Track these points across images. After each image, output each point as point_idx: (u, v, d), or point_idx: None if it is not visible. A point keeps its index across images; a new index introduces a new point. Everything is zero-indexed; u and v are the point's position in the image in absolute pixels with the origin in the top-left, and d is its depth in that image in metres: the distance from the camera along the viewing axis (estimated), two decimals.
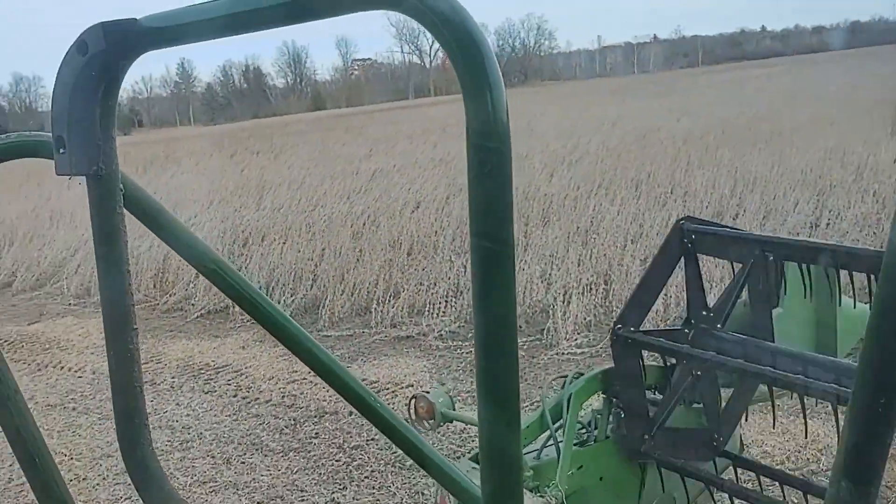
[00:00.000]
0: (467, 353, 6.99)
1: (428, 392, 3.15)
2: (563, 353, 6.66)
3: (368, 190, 13.51)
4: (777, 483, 2.72)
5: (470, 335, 7.42)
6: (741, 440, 3.23)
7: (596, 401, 2.76)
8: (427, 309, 7.79)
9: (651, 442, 2.55)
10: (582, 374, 2.68)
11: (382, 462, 5.17)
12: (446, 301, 7.83)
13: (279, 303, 8.49)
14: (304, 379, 6.54)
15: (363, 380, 6.50)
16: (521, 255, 8.52)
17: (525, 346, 6.90)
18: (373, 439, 5.45)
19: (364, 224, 10.59)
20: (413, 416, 3.07)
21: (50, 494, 1.01)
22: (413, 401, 3.12)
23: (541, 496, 2.32)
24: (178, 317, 8.88)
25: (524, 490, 2.25)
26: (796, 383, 2.17)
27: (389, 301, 8.00)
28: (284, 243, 9.85)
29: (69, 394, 6.83)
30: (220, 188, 15.19)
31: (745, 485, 2.79)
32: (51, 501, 1.01)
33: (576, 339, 6.80)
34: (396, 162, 17.44)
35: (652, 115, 23.03)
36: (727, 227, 2.70)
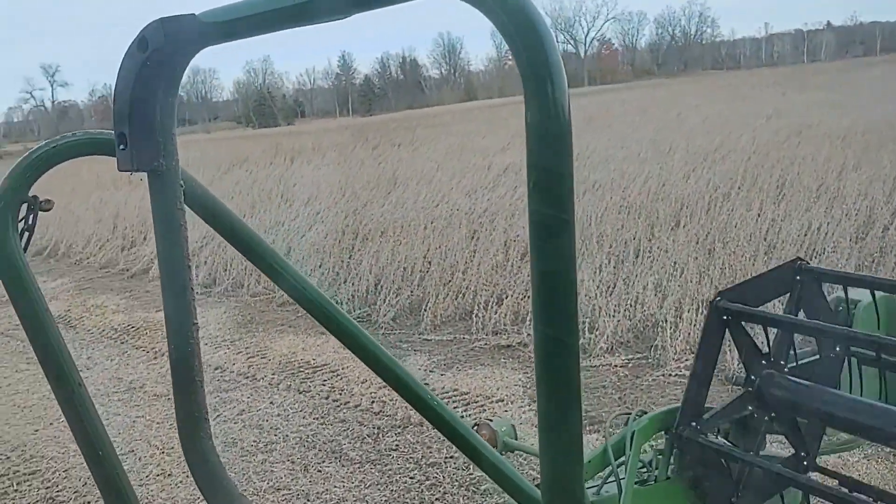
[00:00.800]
0: None
1: (491, 420, 3.09)
2: (669, 375, 6.15)
3: (495, 187, 13.26)
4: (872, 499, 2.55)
5: None
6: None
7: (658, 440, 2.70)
8: (531, 317, 7.45)
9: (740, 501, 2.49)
10: (646, 413, 2.65)
11: (457, 484, 4.93)
12: None
13: (384, 302, 8.42)
14: None
15: (454, 390, 6.34)
16: (637, 263, 7.99)
17: (629, 365, 6.44)
18: (451, 457, 5.22)
19: (482, 223, 10.35)
20: None
21: (112, 487, 1.00)
22: (475, 428, 3.03)
23: None
24: (291, 311, 9.00)
25: None
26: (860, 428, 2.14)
27: (493, 307, 7.72)
28: (399, 241, 9.78)
29: None
30: (355, 181, 15.43)
31: None
32: (112, 494, 1.00)
33: (685, 360, 6.25)
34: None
35: (813, 109, 21.35)
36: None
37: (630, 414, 2.66)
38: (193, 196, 1.09)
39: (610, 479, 2.58)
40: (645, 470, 2.65)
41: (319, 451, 5.53)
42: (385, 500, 4.83)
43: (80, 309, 10.13)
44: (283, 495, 5.00)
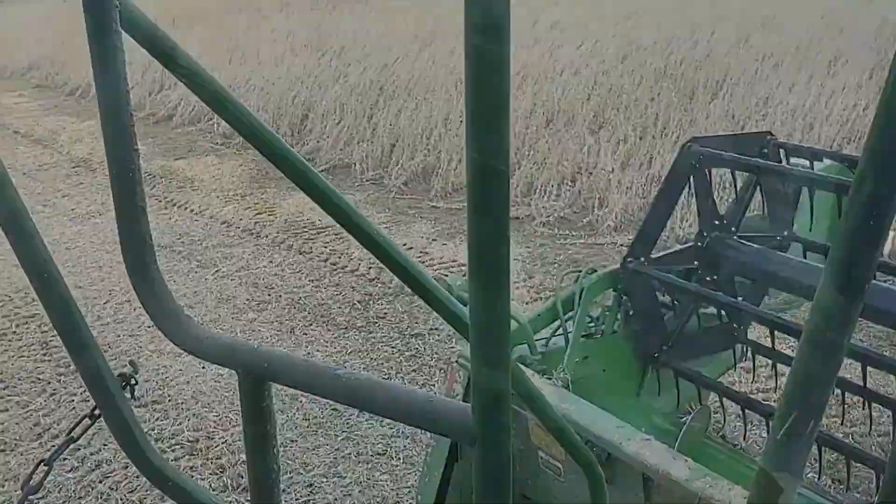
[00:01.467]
0: (570, 244, 6.43)
1: (447, 275, 3.16)
2: None
3: (534, 45, 12.60)
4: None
5: (579, 225, 6.82)
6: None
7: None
8: (541, 189, 7.20)
9: (669, 353, 2.69)
10: (595, 271, 2.76)
11: (436, 357, 4.90)
12: (563, 183, 7.17)
13: (397, 165, 8.22)
14: None
15: (453, 261, 6.22)
16: (662, 136, 7.58)
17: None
18: (435, 329, 5.17)
19: (512, 85, 9.88)
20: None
21: (60, 313, 1.02)
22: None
23: (548, 378, 2.42)
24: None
25: (533, 372, 2.44)
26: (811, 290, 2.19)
27: None
28: (423, 100, 9.43)
29: (181, 237, 7.07)
30: (392, 32, 14.82)
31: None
32: (67, 328, 1.02)
33: None
34: (582, 13, 16.12)
35: None
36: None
37: (581, 272, 2.75)
38: (132, 23, 1.04)
39: (558, 333, 2.70)
40: (592, 325, 2.77)
41: (309, 314, 5.53)
42: (364, 367, 4.84)
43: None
44: None
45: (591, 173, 7.25)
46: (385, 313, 5.47)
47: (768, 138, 2.77)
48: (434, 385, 4.58)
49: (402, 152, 8.28)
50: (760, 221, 2.78)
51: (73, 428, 1.39)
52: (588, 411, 2.20)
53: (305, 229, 7.09)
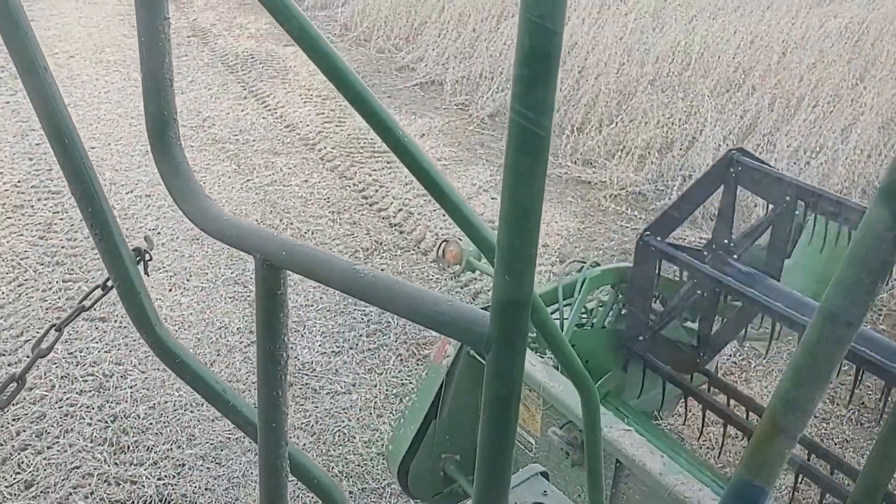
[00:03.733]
0: (633, 228, 5.50)
1: (461, 239, 3.09)
2: None
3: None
4: (744, 408, 2.89)
5: (651, 198, 5.85)
6: (716, 367, 3.55)
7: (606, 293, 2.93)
8: (623, 153, 6.20)
9: (643, 343, 2.81)
10: (599, 265, 2.85)
11: (398, 339, 4.33)
12: (650, 152, 6.13)
13: (488, 92, 7.41)
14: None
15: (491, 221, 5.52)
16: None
17: None
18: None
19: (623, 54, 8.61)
20: (440, 257, 3.15)
21: (77, 175, 1.02)
22: (443, 244, 3.13)
23: (540, 355, 2.54)
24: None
25: (527, 348, 2.25)
26: (794, 321, 2.33)
27: (590, 132, 6.50)
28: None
29: (239, 134, 6.79)
30: None
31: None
32: (78, 181, 1.02)
33: None
34: None
35: None
36: (773, 168, 2.80)
37: (585, 262, 2.85)
38: None
39: (555, 318, 2.72)
40: (585, 316, 2.87)
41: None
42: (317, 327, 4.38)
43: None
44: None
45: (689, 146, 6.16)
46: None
47: (733, 154, 2.77)
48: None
49: (493, 80, 7.45)
50: (760, 252, 2.80)
51: (86, 297, 1.37)
52: (573, 393, 2.18)
53: (363, 149, 6.58)
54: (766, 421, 0.77)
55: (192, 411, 3.72)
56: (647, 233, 2.74)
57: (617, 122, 6.51)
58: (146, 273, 1.17)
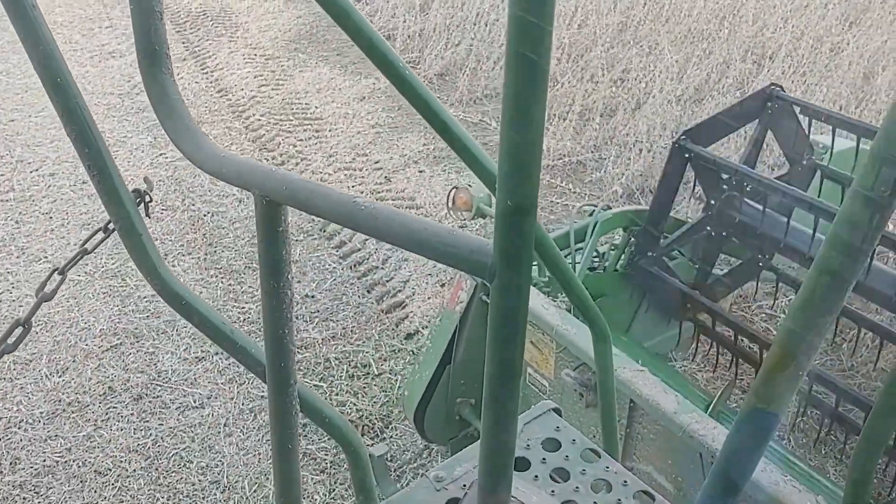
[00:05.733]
0: (576, 199, 5.03)
1: (471, 185, 3.08)
2: None
3: None
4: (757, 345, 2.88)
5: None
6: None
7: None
8: (559, 118, 5.64)
9: (649, 259, 2.85)
10: (610, 208, 2.85)
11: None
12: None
13: (431, 53, 6.87)
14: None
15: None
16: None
17: None
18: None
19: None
20: (450, 205, 3.09)
21: (73, 117, 0.98)
22: (454, 191, 3.07)
23: (553, 299, 2.50)
24: None
25: (539, 292, 2.55)
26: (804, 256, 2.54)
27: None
28: None
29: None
30: None
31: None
32: (73, 122, 0.98)
33: None
34: None
35: None
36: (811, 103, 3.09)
37: (596, 207, 2.84)
38: None
39: (567, 261, 2.67)
40: (597, 260, 2.89)
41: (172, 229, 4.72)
42: None
43: None
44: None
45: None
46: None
47: (773, 90, 2.88)
48: None
49: (438, 42, 6.89)
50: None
51: (87, 240, 1.35)
52: (586, 335, 2.11)
53: (294, 115, 6.14)
54: (776, 349, 0.78)
55: (24, 430, 3.42)
56: (685, 137, 2.82)
57: (563, 83, 5.94)
58: (147, 215, 1.14)
